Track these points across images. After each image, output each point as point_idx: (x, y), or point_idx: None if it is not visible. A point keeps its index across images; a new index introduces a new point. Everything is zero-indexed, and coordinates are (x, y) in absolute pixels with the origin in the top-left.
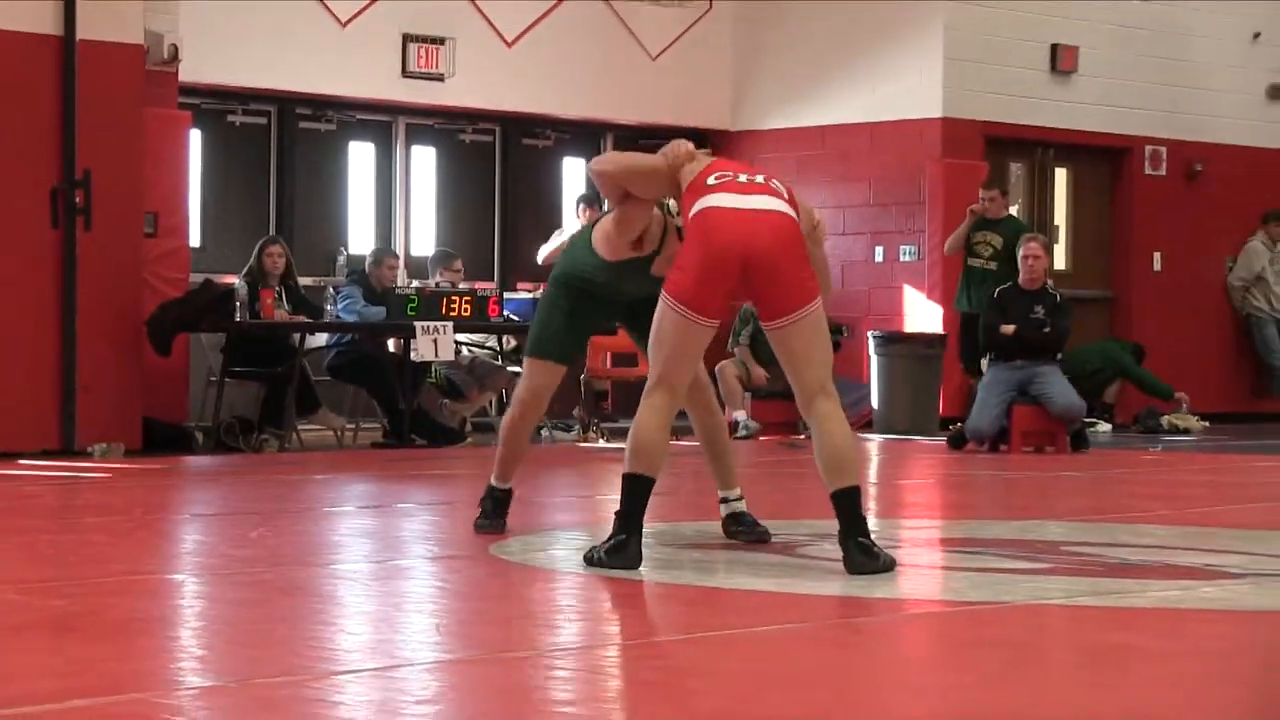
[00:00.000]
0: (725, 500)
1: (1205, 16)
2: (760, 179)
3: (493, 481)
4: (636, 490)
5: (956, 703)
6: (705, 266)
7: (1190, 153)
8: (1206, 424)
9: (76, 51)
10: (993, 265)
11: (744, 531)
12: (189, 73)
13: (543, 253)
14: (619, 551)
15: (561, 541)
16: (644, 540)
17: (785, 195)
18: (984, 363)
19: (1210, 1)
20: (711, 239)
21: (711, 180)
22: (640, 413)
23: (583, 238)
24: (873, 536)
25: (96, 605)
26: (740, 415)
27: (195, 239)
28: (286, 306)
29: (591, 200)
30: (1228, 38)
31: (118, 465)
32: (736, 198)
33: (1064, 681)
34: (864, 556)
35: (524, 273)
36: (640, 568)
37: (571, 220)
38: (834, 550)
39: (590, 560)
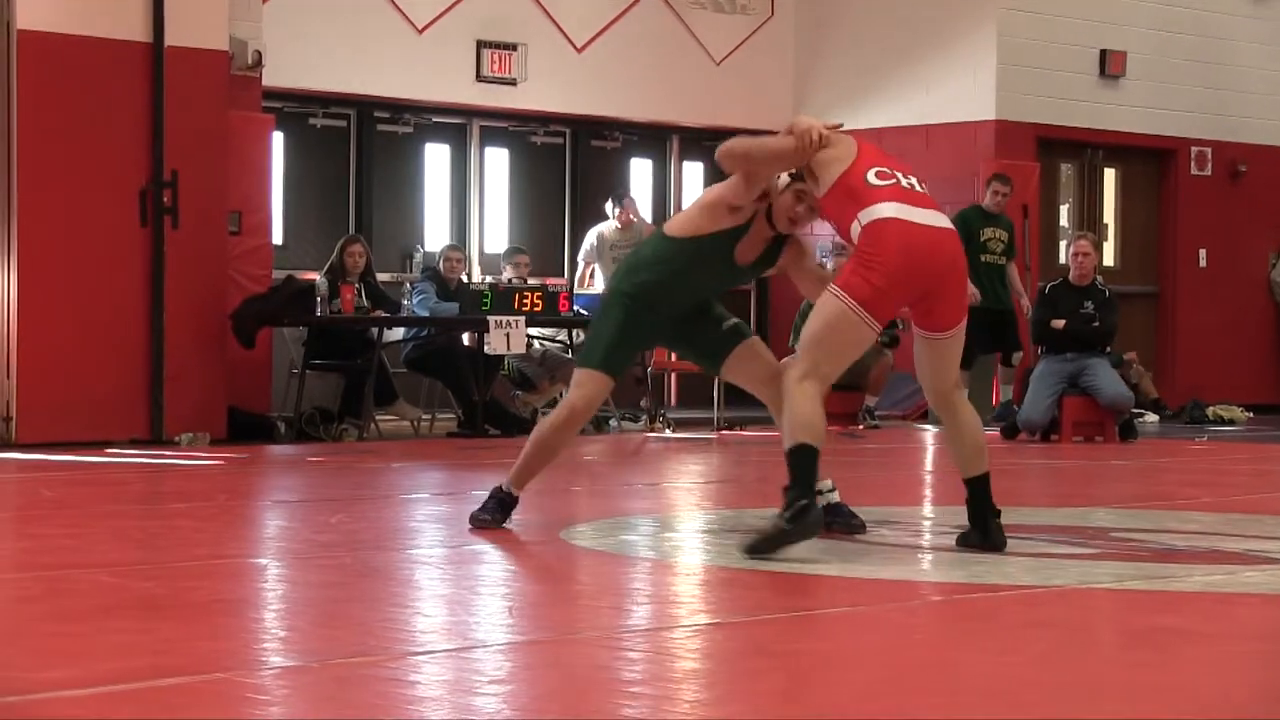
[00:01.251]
0: (819, 492)
1: (1248, 22)
2: (916, 183)
3: (507, 486)
4: (809, 458)
5: (1008, 680)
6: (893, 280)
7: (1234, 153)
8: (1250, 414)
9: (165, 58)
10: (1004, 260)
11: (839, 522)
12: (272, 77)
13: (585, 263)
14: (801, 516)
15: (630, 527)
16: (705, 527)
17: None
18: (1011, 356)
19: (1253, 8)
20: (905, 257)
21: (873, 179)
22: (797, 398)
23: (648, 246)
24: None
25: (183, 587)
26: None
27: (278, 237)
28: (366, 303)
29: (622, 197)
30: (1270, 43)
31: (203, 453)
32: (914, 211)
33: (1112, 661)
34: (1002, 534)
35: None
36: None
37: (608, 223)
38: (890, 535)
39: (762, 546)
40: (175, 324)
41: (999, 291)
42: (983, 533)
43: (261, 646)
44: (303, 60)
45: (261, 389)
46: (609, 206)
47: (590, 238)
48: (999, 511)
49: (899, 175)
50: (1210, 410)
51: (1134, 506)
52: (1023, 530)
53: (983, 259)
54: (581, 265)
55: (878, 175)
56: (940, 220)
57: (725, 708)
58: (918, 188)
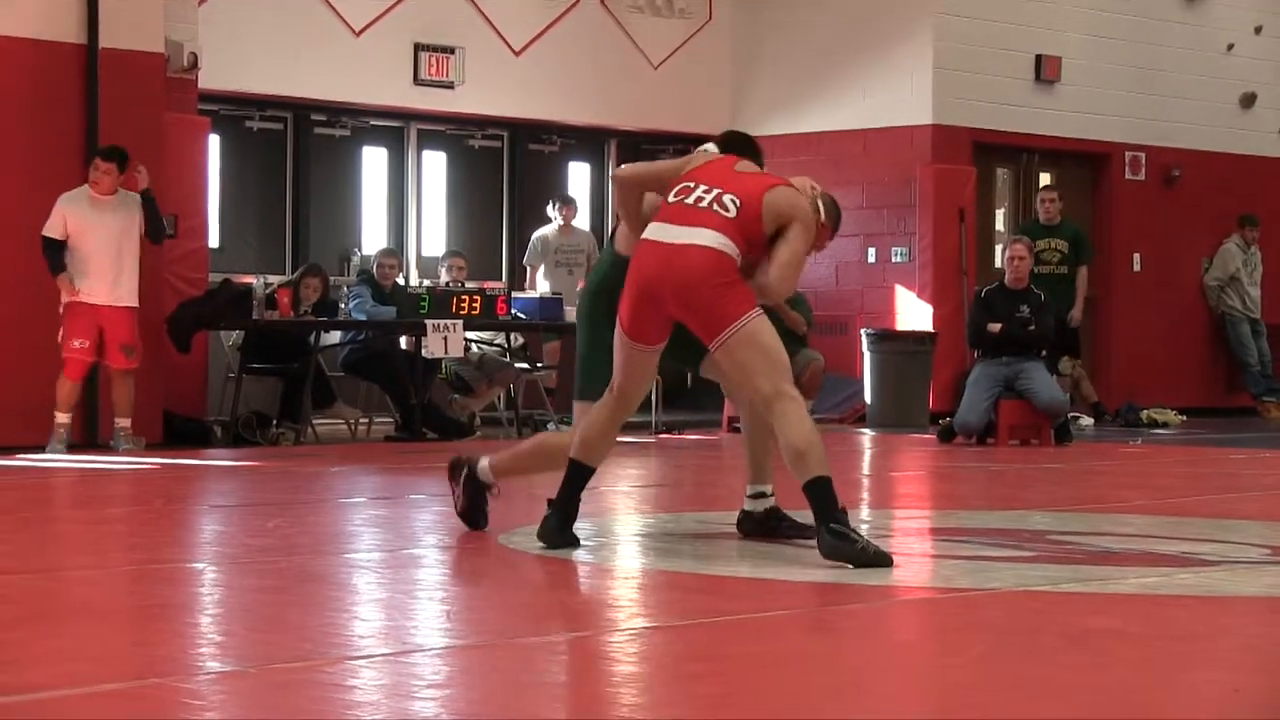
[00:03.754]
0: (765, 495)
1: (1182, 28)
2: (709, 199)
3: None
4: (577, 477)
5: (947, 683)
6: (635, 300)
7: (1168, 158)
8: (1184, 418)
9: (100, 59)
10: (1063, 269)
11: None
12: (208, 80)
13: (530, 268)
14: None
15: None
16: (643, 531)
17: (729, 214)
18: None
19: (1187, 14)
20: (637, 274)
21: (671, 198)
22: (595, 409)
23: (608, 257)
24: (858, 526)
25: (119, 592)
26: None
27: (214, 240)
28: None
29: (569, 200)
30: (1203, 49)
31: (139, 458)
32: (668, 229)
33: (1049, 663)
34: (836, 540)
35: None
36: (576, 549)
37: (551, 218)
38: None
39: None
40: None
41: (1055, 300)
42: (818, 541)
43: (198, 652)
44: (239, 62)
45: (197, 393)
46: (550, 209)
47: (534, 241)
48: (840, 519)
49: (699, 188)
50: (1144, 414)
51: (1070, 509)
52: (959, 533)
53: (1036, 270)
54: (529, 269)
55: (676, 194)
56: (692, 237)
57: (662, 712)
58: (704, 204)
